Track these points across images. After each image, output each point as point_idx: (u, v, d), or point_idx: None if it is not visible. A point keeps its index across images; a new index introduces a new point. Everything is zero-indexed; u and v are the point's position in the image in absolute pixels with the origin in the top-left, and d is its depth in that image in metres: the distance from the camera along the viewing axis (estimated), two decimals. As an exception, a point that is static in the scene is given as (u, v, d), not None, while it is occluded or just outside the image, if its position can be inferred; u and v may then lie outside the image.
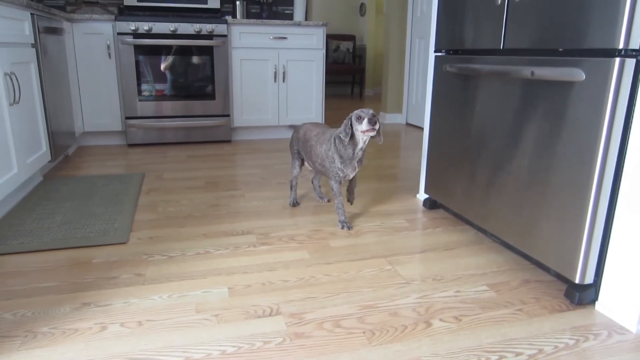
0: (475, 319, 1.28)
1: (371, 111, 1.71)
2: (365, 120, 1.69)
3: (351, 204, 2.07)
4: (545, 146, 1.41)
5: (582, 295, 1.34)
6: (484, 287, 1.46)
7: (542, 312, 1.32)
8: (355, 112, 1.73)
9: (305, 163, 2.08)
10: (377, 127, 1.70)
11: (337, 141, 1.81)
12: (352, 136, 1.77)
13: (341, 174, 1.85)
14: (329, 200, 2.26)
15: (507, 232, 1.60)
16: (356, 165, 1.85)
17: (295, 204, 2.20)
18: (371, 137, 1.76)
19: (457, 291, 1.43)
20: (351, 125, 1.74)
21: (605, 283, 1.31)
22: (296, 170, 2.13)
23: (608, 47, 1.19)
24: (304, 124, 2.09)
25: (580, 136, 1.28)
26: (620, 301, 1.27)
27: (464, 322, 1.27)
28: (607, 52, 1.21)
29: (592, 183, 1.25)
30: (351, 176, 1.90)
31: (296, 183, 2.18)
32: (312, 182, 2.29)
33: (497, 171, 1.64)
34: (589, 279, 1.33)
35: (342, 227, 1.91)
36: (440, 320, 1.28)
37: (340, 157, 1.81)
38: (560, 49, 1.35)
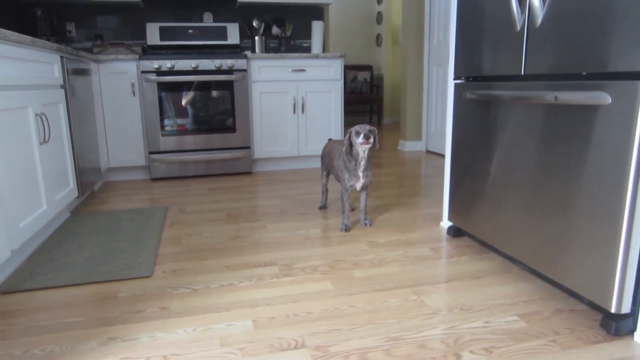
0: (507, 351, 1.24)
1: (367, 127, 2.05)
2: (362, 135, 2.03)
3: (370, 224, 2.29)
4: (572, 171, 1.38)
5: (619, 325, 1.29)
6: (515, 317, 1.41)
7: (577, 344, 1.27)
8: (355, 127, 2.07)
9: (332, 173, 2.45)
10: (371, 140, 2.04)
11: (345, 156, 2.16)
12: (353, 148, 2.11)
13: (348, 183, 2.18)
14: (353, 209, 2.60)
15: (536, 259, 1.56)
16: (360, 175, 2.15)
17: (322, 207, 2.62)
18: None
19: (487, 322, 1.39)
20: (351, 138, 2.08)
21: (643, 311, 1.26)
22: (324, 180, 2.55)
23: (633, 69, 1.17)
24: (331, 141, 2.49)
25: (608, 160, 1.26)
26: (660, 331, 1.21)
27: (495, 355, 1.23)
28: (633, 75, 1.20)
29: (624, 207, 1.22)
30: (358, 187, 2.20)
31: (326, 190, 2.60)
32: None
33: (523, 197, 1.61)
34: (626, 308, 1.28)
35: (341, 229, 2.24)
36: (470, 352, 1.24)
37: (347, 168, 2.16)
38: (584, 73, 1.34)
